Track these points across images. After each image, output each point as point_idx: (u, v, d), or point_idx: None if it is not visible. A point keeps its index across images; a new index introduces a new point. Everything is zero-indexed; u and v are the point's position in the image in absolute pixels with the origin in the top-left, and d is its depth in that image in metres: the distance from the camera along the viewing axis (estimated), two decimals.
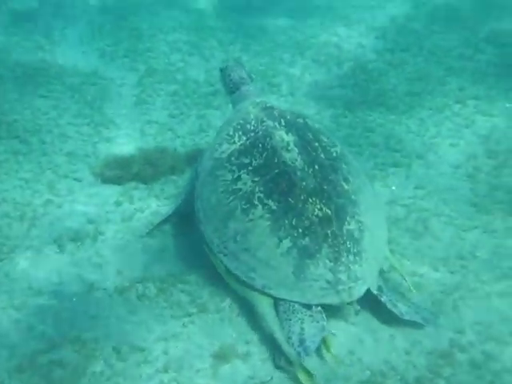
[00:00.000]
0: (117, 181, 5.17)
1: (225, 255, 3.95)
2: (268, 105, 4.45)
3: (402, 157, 5.48)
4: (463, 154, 5.51)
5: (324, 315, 3.76)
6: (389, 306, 3.81)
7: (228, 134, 4.31)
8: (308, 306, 3.78)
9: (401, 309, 3.81)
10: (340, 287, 3.75)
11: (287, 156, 4.05)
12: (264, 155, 4.06)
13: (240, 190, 3.98)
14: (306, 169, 4.00)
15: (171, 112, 6.14)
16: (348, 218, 3.92)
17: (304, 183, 3.93)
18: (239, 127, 4.30)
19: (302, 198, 3.88)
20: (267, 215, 3.86)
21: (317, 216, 3.83)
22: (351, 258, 3.81)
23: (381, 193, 5.04)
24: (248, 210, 3.90)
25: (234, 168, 4.09)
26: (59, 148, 5.58)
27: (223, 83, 5.02)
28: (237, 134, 4.26)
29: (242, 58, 6.87)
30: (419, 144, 5.65)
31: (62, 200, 4.99)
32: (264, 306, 3.82)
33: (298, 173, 3.97)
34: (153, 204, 4.92)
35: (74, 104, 6.23)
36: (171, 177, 5.20)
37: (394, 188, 5.13)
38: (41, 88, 6.45)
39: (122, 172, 5.22)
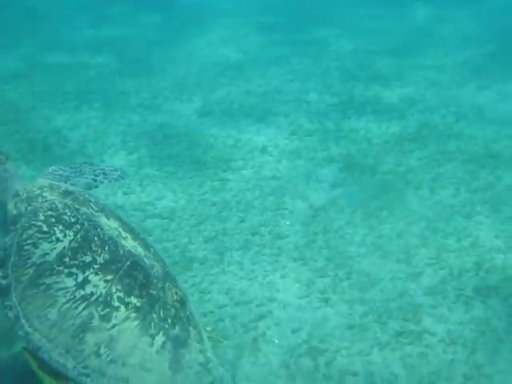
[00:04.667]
0: None
1: (87, 376, 3.40)
2: (63, 188, 3.97)
3: None
4: None
5: None
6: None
7: (42, 231, 3.62)
8: None
9: None
10: (210, 365, 3.63)
11: (127, 244, 3.73)
12: (107, 249, 3.62)
13: (92, 294, 3.48)
14: (148, 254, 3.78)
15: None
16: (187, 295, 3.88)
17: (155, 270, 3.71)
18: (54, 220, 3.65)
19: (160, 285, 3.65)
20: (133, 314, 3.49)
21: (177, 301, 3.69)
22: (204, 331, 3.75)
23: None
24: (109, 314, 3.44)
25: (73, 270, 3.52)
26: None
27: None
28: (57, 230, 3.62)
29: None
30: None
31: None
32: None
33: (146, 260, 3.72)
34: None
35: None
36: None
37: None
38: None
39: None
